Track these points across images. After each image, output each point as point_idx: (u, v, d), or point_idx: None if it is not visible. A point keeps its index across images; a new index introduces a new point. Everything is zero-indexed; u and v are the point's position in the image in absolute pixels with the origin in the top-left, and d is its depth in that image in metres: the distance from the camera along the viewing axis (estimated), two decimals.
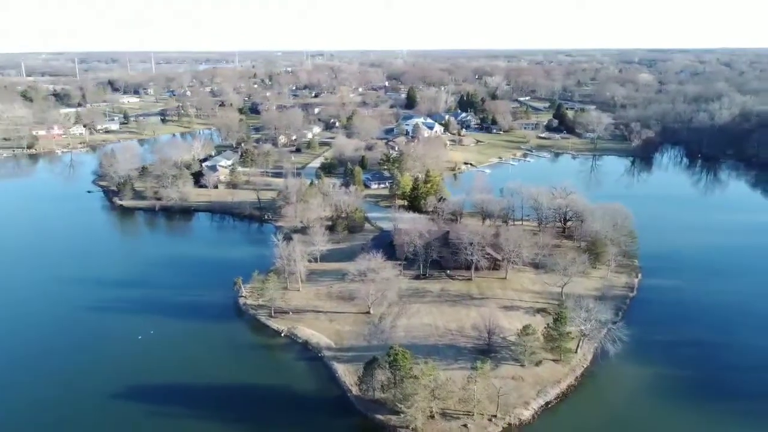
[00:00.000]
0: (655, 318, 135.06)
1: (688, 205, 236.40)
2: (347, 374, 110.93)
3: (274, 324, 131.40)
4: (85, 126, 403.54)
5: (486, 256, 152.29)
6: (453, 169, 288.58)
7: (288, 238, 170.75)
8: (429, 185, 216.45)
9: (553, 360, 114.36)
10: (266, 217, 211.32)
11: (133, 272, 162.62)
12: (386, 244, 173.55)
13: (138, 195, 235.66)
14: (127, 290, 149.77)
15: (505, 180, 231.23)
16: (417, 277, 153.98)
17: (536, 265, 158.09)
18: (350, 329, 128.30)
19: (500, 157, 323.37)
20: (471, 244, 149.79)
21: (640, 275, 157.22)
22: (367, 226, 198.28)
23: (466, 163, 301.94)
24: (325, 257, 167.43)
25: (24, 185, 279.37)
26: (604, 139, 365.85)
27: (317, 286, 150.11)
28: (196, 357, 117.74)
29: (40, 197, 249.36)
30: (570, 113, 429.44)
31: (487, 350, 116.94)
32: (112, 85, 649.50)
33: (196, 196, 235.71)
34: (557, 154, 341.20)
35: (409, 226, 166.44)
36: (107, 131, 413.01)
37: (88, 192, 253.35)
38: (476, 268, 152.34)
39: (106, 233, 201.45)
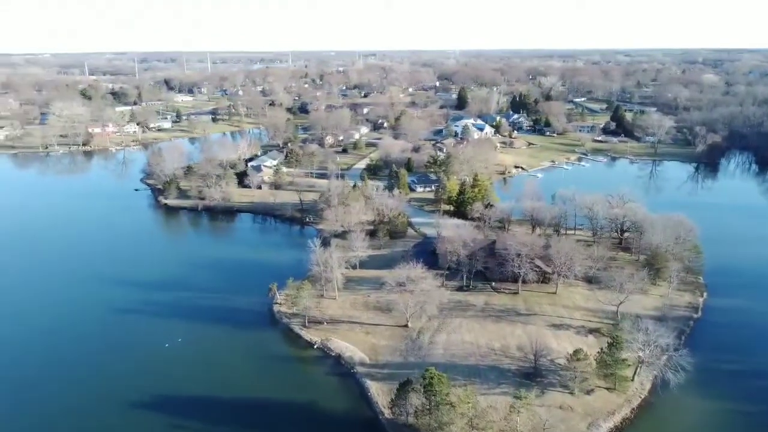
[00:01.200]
0: (722, 343, 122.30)
1: (759, 216, 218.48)
2: (380, 394, 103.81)
3: (307, 335, 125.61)
4: (138, 124, 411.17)
5: (535, 268, 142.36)
6: (503, 173, 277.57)
7: (326, 243, 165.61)
8: (476, 190, 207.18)
9: (607, 388, 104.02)
10: (307, 219, 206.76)
11: (170, 273, 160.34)
12: (429, 252, 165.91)
13: (182, 194, 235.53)
14: (162, 292, 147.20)
15: (558, 185, 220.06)
16: (460, 289, 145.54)
17: (589, 280, 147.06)
18: (386, 343, 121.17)
19: (553, 161, 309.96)
20: (519, 255, 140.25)
21: (705, 294, 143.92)
22: (409, 231, 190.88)
23: (516, 167, 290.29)
24: (365, 264, 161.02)
25: (75, 182, 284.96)
26: (666, 144, 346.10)
27: (354, 295, 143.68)
28: (222, 368, 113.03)
29: (88, 194, 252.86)
30: (629, 115, 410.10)
31: (532, 374, 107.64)
32: (168, 84, 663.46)
33: (240, 196, 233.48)
34: (614, 159, 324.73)
35: (453, 233, 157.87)
36: (159, 129, 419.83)
37: (136, 190, 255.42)
38: (523, 281, 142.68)
39: (148, 232, 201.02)
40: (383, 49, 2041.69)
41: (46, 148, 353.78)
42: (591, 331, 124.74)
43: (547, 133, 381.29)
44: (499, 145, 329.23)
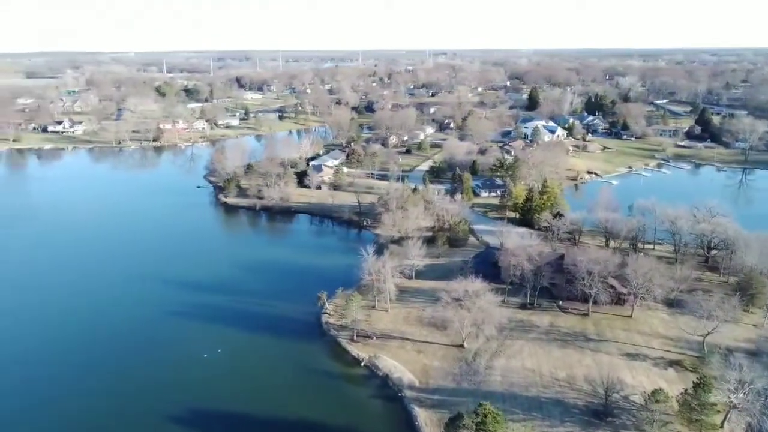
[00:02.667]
0: None
1: None
2: (429, 424, 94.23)
3: (355, 350, 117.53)
4: (207, 121, 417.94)
5: (608, 288, 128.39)
6: (574, 179, 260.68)
7: (381, 249, 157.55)
8: (545, 197, 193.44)
9: None
10: (365, 223, 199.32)
11: (220, 275, 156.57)
12: (490, 264, 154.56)
13: (242, 193, 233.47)
14: (210, 294, 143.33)
15: (636, 193, 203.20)
16: (523, 307, 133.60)
17: (670, 303, 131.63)
18: (439, 365, 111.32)
19: (630, 167, 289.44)
20: (590, 273, 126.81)
21: None
22: (471, 239, 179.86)
23: (589, 173, 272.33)
24: (421, 274, 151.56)
25: (141, 177, 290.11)
26: (758, 150, 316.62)
27: (408, 308, 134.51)
28: (260, 382, 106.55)
29: (152, 190, 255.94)
30: (716, 119, 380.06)
31: (602, 412, 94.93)
32: (239, 82, 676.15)
33: (298, 196, 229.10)
34: (698, 166, 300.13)
35: (518, 244, 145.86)
36: (227, 126, 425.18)
37: (198, 187, 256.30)
38: (594, 302, 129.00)
39: (204, 231, 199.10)
40: (454, 48, 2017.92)
41: (119, 143, 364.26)
42: (672, 363, 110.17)
43: (625, 137, 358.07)
44: (571, 148, 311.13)
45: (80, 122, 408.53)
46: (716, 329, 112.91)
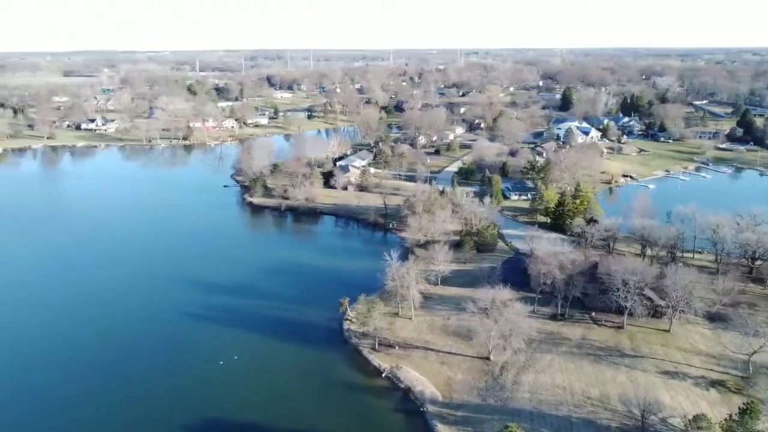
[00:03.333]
0: None
1: None
2: None
3: (376, 360, 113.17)
4: (236, 120, 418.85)
5: (645, 301, 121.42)
6: (608, 182, 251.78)
7: (407, 253, 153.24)
8: (578, 202, 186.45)
9: None
10: (390, 225, 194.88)
11: (241, 277, 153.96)
12: (519, 271, 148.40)
13: (268, 193, 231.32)
14: (230, 297, 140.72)
15: (673, 198, 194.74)
16: (553, 317, 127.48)
17: (712, 317, 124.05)
18: (463, 378, 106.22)
19: (668, 170, 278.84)
20: (625, 284, 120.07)
21: None
22: (499, 245, 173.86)
23: (625, 176, 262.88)
24: (447, 280, 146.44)
25: (169, 175, 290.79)
26: None
27: (432, 316, 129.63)
28: (277, 391, 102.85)
29: (179, 188, 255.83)
30: (759, 121, 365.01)
31: None
32: (269, 81, 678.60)
33: (324, 197, 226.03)
34: (740, 170, 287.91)
35: (549, 251, 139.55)
36: (256, 125, 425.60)
37: (225, 186, 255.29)
38: (630, 314, 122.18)
39: (228, 232, 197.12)
40: (486, 48, 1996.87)
41: (150, 141, 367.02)
42: (714, 383, 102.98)
43: (662, 139, 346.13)
44: (605, 150, 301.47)
45: (113, 120, 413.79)
46: (763, 347, 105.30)
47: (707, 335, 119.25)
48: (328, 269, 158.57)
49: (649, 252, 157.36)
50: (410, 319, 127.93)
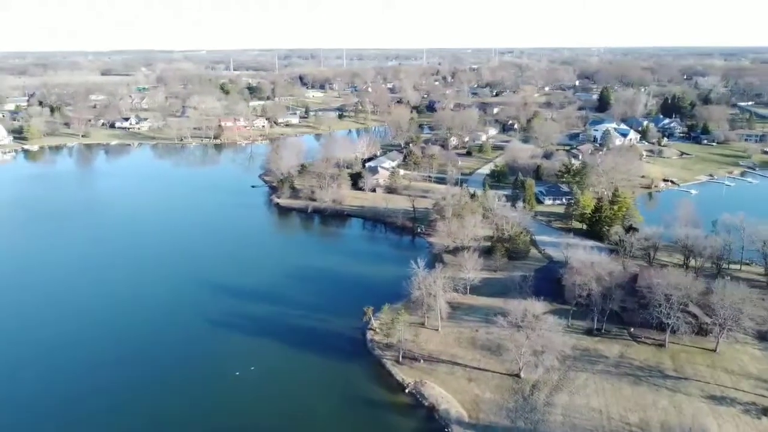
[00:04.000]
0: None
1: None
2: None
3: (400, 373, 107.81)
4: (267, 119, 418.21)
5: (689, 318, 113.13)
6: (648, 187, 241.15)
7: (435, 260, 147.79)
8: (616, 208, 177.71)
9: None
10: (419, 230, 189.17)
11: (264, 281, 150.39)
12: (553, 281, 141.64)
13: (296, 194, 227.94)
14: (251, 302, 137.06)
15: (717, 205, 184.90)
16: (589, 332, 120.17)
17: (763, 336, 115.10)
18: (491, 397, 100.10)
19: (711, 175, 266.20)
20: (668, 299, 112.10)
21: None
22: (532, 252, 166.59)
23: (665, 180, 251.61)
24: (476, 289, 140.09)
25: (198, 174, 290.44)
26: None
27: (460, 327, 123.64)
28: (294, 405, 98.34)
29: (207, 188, 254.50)
30: None
31: None
32: (302, 80, 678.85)
33: (352, 199, 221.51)
34: None
35: (585, 261, 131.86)
36: (287, 125, 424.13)
37: (252, 187, 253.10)
38: (672, 330, 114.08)
39: (253, 233, 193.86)
40: (521, 47, 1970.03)
41: (181, 140, 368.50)
42: (766, 411, 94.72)
43: (705, 142, 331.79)
44: (645, 153, 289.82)
45: (146, 119, 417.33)
46: None
47: (758, 356, 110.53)
48: (352, 275, 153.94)
49: (692, 263, 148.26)
50: (437, 330, 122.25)
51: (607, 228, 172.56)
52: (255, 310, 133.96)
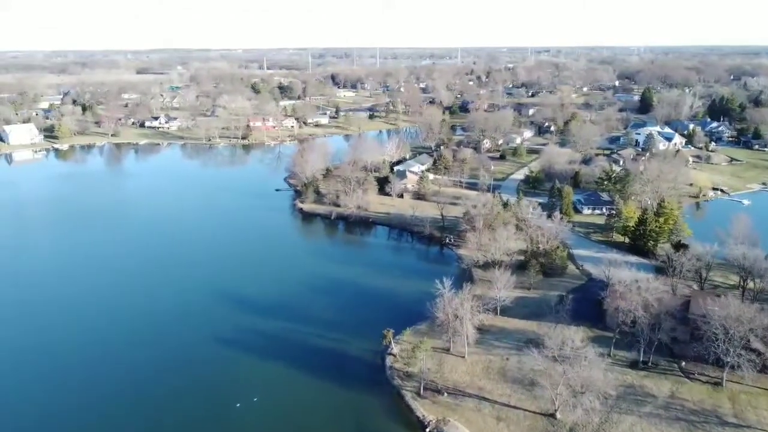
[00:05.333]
0: None
1: None
2: None
3: (421, 408, 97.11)
4: (296, 119, 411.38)
5: (751, 355, 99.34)
6: (696, 196, 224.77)
7: (461, 277, 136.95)
8: (662, 220, 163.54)
9: None
10: (447, 240, 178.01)
11: (279, 294, 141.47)
12: (592, 302, 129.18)
13: (320, 199, 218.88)
14: (262, 318, 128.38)
15: None
16: (634, 365, 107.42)
17: None
18: None
19: (764, 183, 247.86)
20: (727, 332, 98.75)
21: None
22: (570, 267, 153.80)
23: (715, 189, 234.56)
24: (508, 310, 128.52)
25: (224, 176, 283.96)
26: None
27: (489, 355, 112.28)
28: None
29: (231, 190, 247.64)
30: None
31: None
32: (333, 80, 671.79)
33: (378, 205, 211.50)
34: None
35: (629, 282, 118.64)
36: (317, 125, 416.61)
37: (276, 190, 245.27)
38: (732, 367, 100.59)
39: (273, 241, 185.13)
40: (558, 45, 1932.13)
41: (209, 140, 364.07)
42: None
43: (756, 147, 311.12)
44: (691, 159, 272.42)
45: (175, 118, 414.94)
46: None
47: None
48: (374, 289, 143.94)
49: (750, 285, 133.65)
50: (463, 357, 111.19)
51: (653, 243, 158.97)
52: (267, 325, 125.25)
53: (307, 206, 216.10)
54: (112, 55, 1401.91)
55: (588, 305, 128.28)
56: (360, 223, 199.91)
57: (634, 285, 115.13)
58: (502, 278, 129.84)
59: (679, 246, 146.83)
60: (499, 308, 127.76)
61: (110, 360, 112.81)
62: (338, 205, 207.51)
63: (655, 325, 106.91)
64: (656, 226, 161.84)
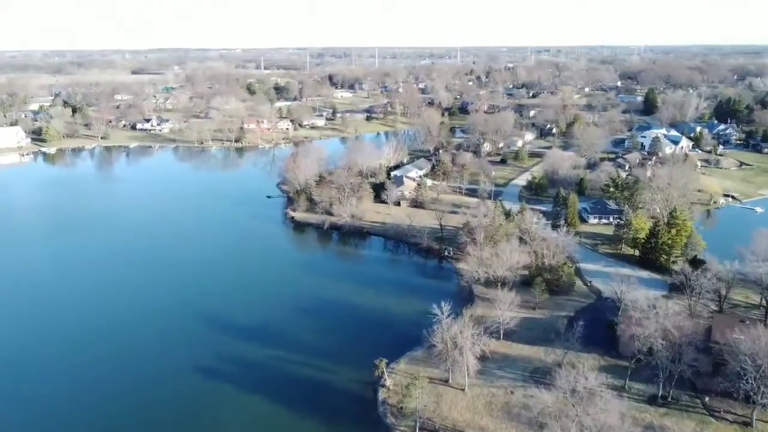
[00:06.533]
0: None
1: None
2: None
3: None
4: (292, 121, 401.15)
5: None
6: (706, 203, 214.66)
7: (460, 296, 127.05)
8: (673, 232, 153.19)
9: None
10: (446, 252, 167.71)
11: (264, 314, 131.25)
12: (603, 324, 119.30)
13: (313, 207, 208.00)
14: (244, 343, 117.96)
15: None
16: (652, 400, 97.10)
17: None
18: None
19: None
20: (758, 367, 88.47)
21: None
22: (577, 284, 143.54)
23: (726, 196, 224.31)
24: (511, 333, 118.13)
25: (213, 181, 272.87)
26: None
27: (492, 387, 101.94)
28: None
29: (220, 196, 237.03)
30: None
31: None
32: (331, 80, 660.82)
33: (373, 213, 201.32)
34: None
35: (645, 307, 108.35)
36: (312, 127, 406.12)
37: (268, 197, 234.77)
38: (763, 405, 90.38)
39: (261, 253, 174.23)
40: (558, 45, 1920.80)
41: (202, 143, 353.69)
42: None
43: (765, 151, 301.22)
44: (699, 163, 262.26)
45: (167, 120, 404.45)
46: None
47: None
48: (367, 309, 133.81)
49: None
50: (463, 390, 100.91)
51: (666, 257, 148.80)
52: (249, 351, 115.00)
53: (299, 215, 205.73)
54: (111, 55, 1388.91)
55: (598, 329, 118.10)
56: (354, 234, 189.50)
57: (650, 310, 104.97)
58: (505, 298, 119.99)
59: (696, 262, 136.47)
60: (502, 331, 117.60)
61: (63, 400, 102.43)
62: (331, 214, 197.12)
63: (676, 356, 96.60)
64: (668, 239, 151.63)
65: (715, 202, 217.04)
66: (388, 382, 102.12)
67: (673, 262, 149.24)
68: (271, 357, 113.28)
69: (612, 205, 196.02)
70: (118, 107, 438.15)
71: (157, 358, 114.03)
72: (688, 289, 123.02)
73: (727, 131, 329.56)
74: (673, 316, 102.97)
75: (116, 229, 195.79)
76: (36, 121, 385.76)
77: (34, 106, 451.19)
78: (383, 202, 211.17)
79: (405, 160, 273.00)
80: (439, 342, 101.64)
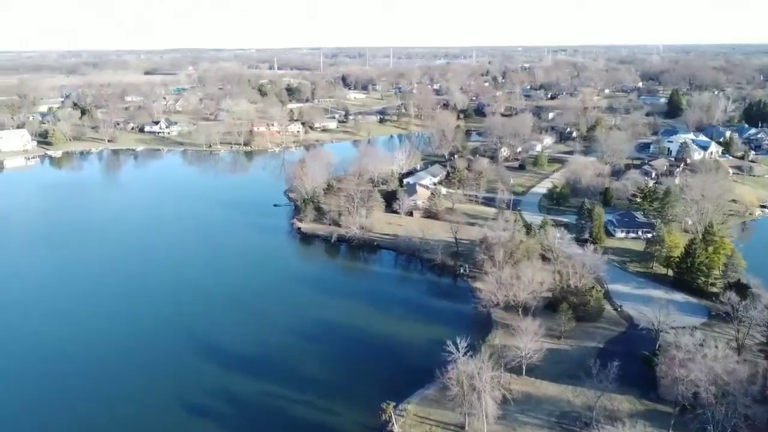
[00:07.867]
0: None
1: None
2: None
3: None
4: (303, 123, 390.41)
5: None
6: (742, 215, 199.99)
7: (477, 323, 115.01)
8: (710, 250, 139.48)
9: None
10: (461, 270, 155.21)
11: (263, 342, 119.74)
12: (636, 359, 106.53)
13: (321, 217, 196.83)
14: (239, 377, 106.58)
15: None
16: None
17: None
18: None
19: None
20: None
21: None
22: (606, 308, 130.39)
23: (763, 206, 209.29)
24: (535, 369, 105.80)
25: (220, 188, 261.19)
26: None
27: None
28: None
29: (225, 204, 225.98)
30: None
31: None
32: (344, 81, 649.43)
33: (385, 225, 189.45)
34: None
35: (690, 346, 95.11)
36: (324, 130, 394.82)
37: (275, 206, 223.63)
38: None
39: (264, 269, 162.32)
40: (575, 44, 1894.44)
41: (210, 146, 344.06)
42: None
43: None
44: (731, 171, 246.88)
45: (176, 123, 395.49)
46: None
47: None
48: (374, 335, 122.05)
49: None
50: None
51: (704, 279, 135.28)
52: (243, 386, 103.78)
53: (306, 225, 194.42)
54: (126, 56, 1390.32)
55: (633, 364, 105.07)
56: (363, 247, 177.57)
57: (696, 350, 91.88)
58: (528, 329, 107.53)
59: (740, 287, 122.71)
60: (524, 367, 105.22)
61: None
62: (340, 225, 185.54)
63: (729, 404, 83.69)
64: (706, 258, 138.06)
65: (750, 214, 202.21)
66: (396, 428, 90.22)
67: (712, 284, 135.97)
68: (266, 393, 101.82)
69: (640, 217, 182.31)
70: (127, 109, 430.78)
71: (138, 391, 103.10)
72: (735, 321, 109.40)
73: (759, 135, 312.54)
74: (723, 359, 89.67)
75: (111, 241, 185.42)
76: (43, 123, 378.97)
77: (44, 108, 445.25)
78: (395, 212, 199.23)
79: (418, 166, 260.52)
80: (454, 384, 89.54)
